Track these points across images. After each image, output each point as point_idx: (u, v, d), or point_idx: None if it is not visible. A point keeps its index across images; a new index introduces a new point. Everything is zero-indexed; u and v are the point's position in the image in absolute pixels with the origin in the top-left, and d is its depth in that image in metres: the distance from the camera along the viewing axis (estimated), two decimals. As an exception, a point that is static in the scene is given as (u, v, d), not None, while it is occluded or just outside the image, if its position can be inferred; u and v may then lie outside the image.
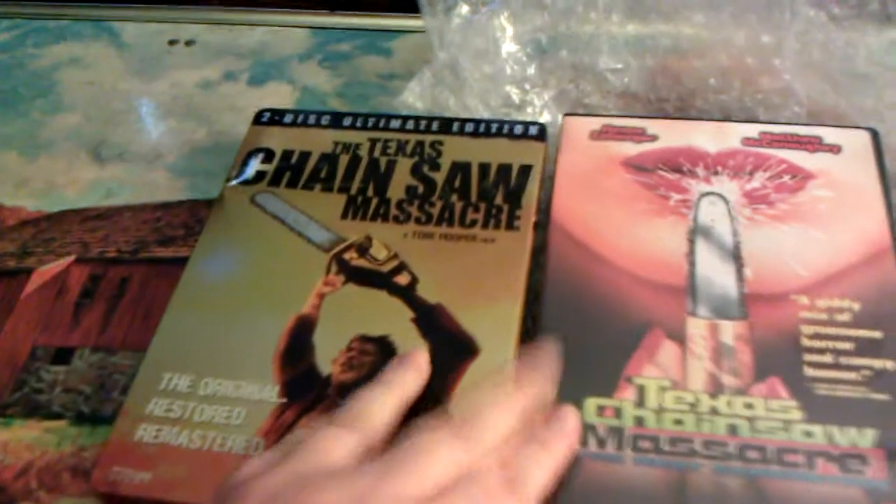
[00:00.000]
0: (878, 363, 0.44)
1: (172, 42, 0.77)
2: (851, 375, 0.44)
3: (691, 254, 0.50)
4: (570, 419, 0.43)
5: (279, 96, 0.71)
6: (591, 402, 0.44)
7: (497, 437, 0.40)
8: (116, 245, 0.60)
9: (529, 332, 0.48)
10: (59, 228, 0.62)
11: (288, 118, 0.61)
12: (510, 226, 0.52)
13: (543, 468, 0.40)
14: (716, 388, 0.44)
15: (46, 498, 0.46)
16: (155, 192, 0.64)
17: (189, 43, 0.77)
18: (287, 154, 0.58)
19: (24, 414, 0.51)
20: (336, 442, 0.38)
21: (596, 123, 0.57)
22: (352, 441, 0.39)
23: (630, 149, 0.55)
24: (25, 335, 0.55)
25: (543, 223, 0.52)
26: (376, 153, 0.58)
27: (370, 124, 0.60)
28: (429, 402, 0.43)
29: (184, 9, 0.80)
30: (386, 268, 0.51)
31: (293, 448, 0.38)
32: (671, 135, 0.56)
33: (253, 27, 0.78)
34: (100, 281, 0.58)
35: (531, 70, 0.64)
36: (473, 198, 0.54)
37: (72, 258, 0.59)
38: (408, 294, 0.50)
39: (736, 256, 0.49)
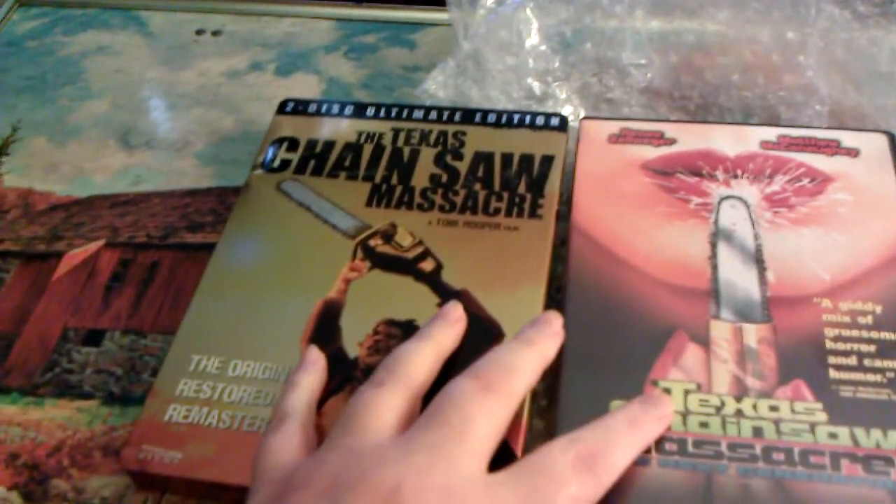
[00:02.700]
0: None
1: (199, 32, 0.75)
2: (875, 378, 0.42)
3: (713, 257, 0.48)
4: (553, 321, 0.43)
5: (305, 86, 0.69)
6: (617, 405, 0.42)
7: (522, 387, 0.40)
8: (146, 230, 0.58)
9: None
10: (88, 213, 0.60)
11: (312, 108, 0.59)
12: (533, 214, 0.51)
13: (529, 363, 0.40)
14: (740, 391, 0.42)
15: (78, 475, 0.46)
16: (182, 179, 0.62)
17: (216, 33, 0.75)
18: (311, 143, 0.57)
19: (56, 394, 0.50)
20: (382, 407, 0.38)
21: (614, 127, 0.55)
22: (396, 401, 0.38)
23: (649, 152, 0.53)
24: (56, 317, 0.53)
25: (564, 214, 0.51)
26: (400, 143, 0.56)
27: (393, 114, 0.58)
28: None
29: None
30: (411, 254, 0.50)
31: (344, 421, 0.38)
32: (690, 138, 0.54)
33: (279, 18, 0.76)
34: (130, 265, 0.56)
35: (554, 63, 0.62)
36: (496, 187, 0.53)
37: (101, 242, 0.58)
38: (433, 280, 0.49)
39: (758, 260, 0.47)
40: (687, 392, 0.42)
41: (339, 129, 0.58)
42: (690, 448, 0.40)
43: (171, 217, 0.59)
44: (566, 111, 0.60)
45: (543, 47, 0.61)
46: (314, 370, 0.44)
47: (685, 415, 0.42)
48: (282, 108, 0.60)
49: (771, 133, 0.54)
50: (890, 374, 0.42)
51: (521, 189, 0.53)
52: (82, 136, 0.66)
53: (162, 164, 0.63)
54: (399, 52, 0.71)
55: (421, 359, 0.41)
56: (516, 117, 0.57)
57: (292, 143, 0.57)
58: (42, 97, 0.70)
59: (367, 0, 0.76)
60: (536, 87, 0.61)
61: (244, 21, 0.76)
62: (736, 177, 0.52)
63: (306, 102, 0.60)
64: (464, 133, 0.56)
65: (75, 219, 0.60)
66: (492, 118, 0.57)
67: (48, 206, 0.61)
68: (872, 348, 0.43)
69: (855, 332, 0.44)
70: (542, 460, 0.37)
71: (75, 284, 0.55)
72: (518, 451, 0.41)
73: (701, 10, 0.58)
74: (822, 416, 0.41)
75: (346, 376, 0.45)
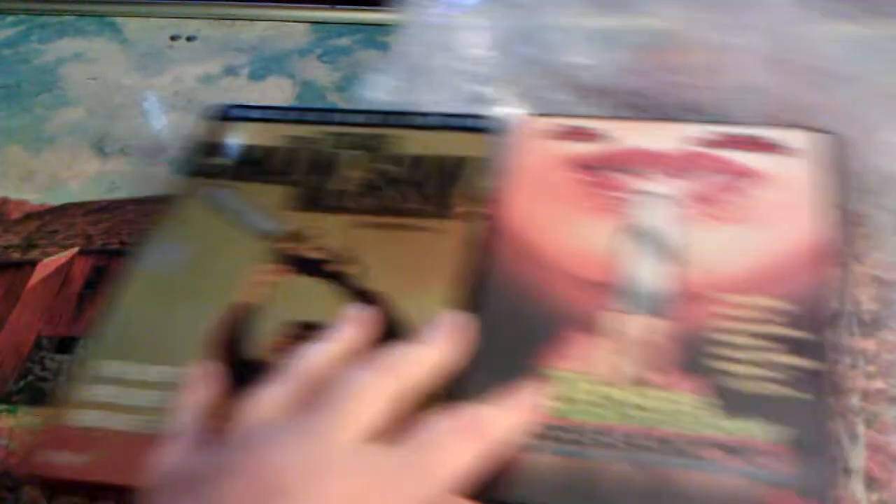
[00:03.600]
0: (795, 361, 0.43)
1: (174, 37, 0.76)
2: (769, 373, 0.43)
3: (625, 251, 0.49)
4: (450, 325, 0.44)
5: (279, 90, 0.70)
6: None
7: (409, 375, 0.40)
8: (120, 237, 0.59)
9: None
10: (62, 221, 0.61)
11: (237, 112, 0.60)
12: (449, 215, 0.51)
13: (419, 357, 0.42)
14: (634, 382, 0.43)
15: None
16: (157, 185, 0.61)
17: (190, 38, 0.76)
18: (239, 148, 0.57)
19: (29, 401, 0.50)
20: (265, 400, 0.39)
21: (550, 123, 0.56)
22: (282, 392, 0.39)
23: (581, 148, 0.54)
24: (30, 325, 0.54)
25: (491, 213, 0.52)
26: (329, 146, 0.56)
27: (321, 119, 0.58)
28: None
29: (185, 4, 0.79)
30: (324, 256, 0.50)
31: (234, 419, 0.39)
32: (622, 135, 0.54)
33: (253, 22, 0.77)
34: (103, 272, 0.57)
35: (499, 66, 0.62)
36: (421, 189, 0.53)
37: (75, 250, 0.58)
38: (346, 281, 0.49)
39: (672, 255, 0.48)
40: (580, 381, 0.43)
41: (265, 133, 0.58)
42: (581, 436, 0.41)
43: (145, 224, 0.59)
44: (510, 113, 0.60)
45: (486, 50, 0.62)
46: (207, 382, 0.44)
47: (574, 403, 0.43)
48: (213, 114, 0.60)
49: (702, 130, 0.54)
50: (784, 370, 0.43)
51: (444, 190, 0.53)
52: (57, 143, 0.67)
53: (137, 171, 0.64)
54: (374, 54, 0.72)
55: (317, 357, 0.42)
56: (449, 120, 0.57)
57: (218, 149, 0.57)
58: (18, 105, 0.71)
59: (341, 2, 0.77)
60: (477, 89, 0.61)
61: (218, 26, 0.77)
62: (662, 173, 0.52)
63: (233, 106, 0.60)
64: (396, 136, 0.56)
65: (49, 227, 0.61)
66: (422, 121, 0.57)
67: (22, 214, 0.62)
68: (769, 344, 0.44)
69: (752, 327, 0.44)
70: (415, 430, 0.38)
71: (49, 292, 0.56)
72: None
73: (647, 9, 0.58)
74: (711, 408, 0.42)
75: (253, 379, 0.45)
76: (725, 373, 0.43)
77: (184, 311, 0.48)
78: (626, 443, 0.41)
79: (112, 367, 0.46)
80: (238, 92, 0.70)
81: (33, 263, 0.58)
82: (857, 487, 0.43)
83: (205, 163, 0.57)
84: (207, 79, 0.72)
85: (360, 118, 0.58)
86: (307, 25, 0.76)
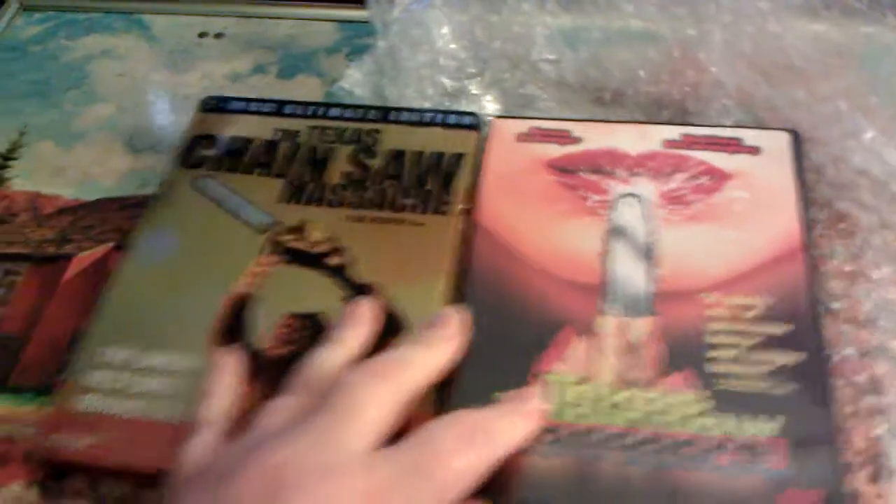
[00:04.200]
0: (782, 357, 0.44)
1: (202, 35, 0.77)
2: (756, 369, 0.44)
3: (606, 253, 0.49)
4: (450, 323, 0.45)
5: (308, 88, 0.70)
6: (500, 398, 0.44)
7: (412, 380, 0.41)
8: None
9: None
10: (97, 216, 0.62)
11: (232, 105, 0.61)
12: (439, 210, 0.53)
13: (421, 359, 0.42)
14: (622, 383, 0.44)
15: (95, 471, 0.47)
16: None
17: (218, 36, 0.77)
18: (229, 140, 0.59)
19: None
20: (281, 408, 0.40)
21: (523, 126, 0.57)
22: (298, 402, 0.40)
23: (554, 150, 0.55)
24: (67, 318, 0.55)
25: (472, 216, 0.53)
26: (315, 140, 0.58)
27: (311, 112, 0.60)
28: None
29: (213, 2, 0.80)
30: (319, 249, 0.52)
31: (250, 427, 0.40)
32: (595, 137, 0.55)
33: (281, 20, 0.78)
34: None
35: (467, 60, 0.63)
36: (406, 184, 0.55)
37: (111, 245, 0.60)
38: (339, 274, 0.50)
39: (649, 256, 0.49)
40: (570, 384, 0.44)
41: (256, 126, 0.60)
42: (571, 437, 0.43)
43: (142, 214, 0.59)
44: (480, 107, 0.62)
45: (455, 45, 0.63)
46: (231, 375, 0.46)
47: (566, 405, 0.44)
48: (203, 106, 0.61)
49: (675, 132, 0.55)
50: (771, 366, 0.44)
51: (430, 186, 0.54)
52: (88, 139, 0.68)
53: (168, 167, 0.63)
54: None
55: (327, 364, 0.43)
56: (429, 116, 0.58)
57: (210, 140, 0.59)
58: (47, 101, 0.72)
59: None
60: (449, 84, 0.62)
61: (246, 24, 0.78)
62: (636, 175, 0.53)
63: (226, 100, 0.62)
64: (378, 131, 0.58)
65: (83, 222, 0.62)
66: (406, 116, 0.59)
67: (55, 209, 0.63)
68: (755, 341, 0.45)
69: (739, 326, 0.46)
70: (423, 436, 0.38)
71: (85, 286, 0.57)
72: None
73: (608, 5, 0.59)
74: (702, 407, 0.43)
75: (251, 368, 0.47)
76: (714, 371, 0.44)
77: (180, 301, 0.50)
78: (618, 443, 0.42)
79: (112, 353, 0.48)
80: (267, 90, 0.70)
81: (68, 258, 0.59)
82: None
83: (198, 154, 0.59)
84: (236, 76, 0.72)
85: (349, 113, 0.60)
86: (334, 24, 0.77)
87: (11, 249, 0.61)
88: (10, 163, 0.67)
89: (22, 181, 0.66)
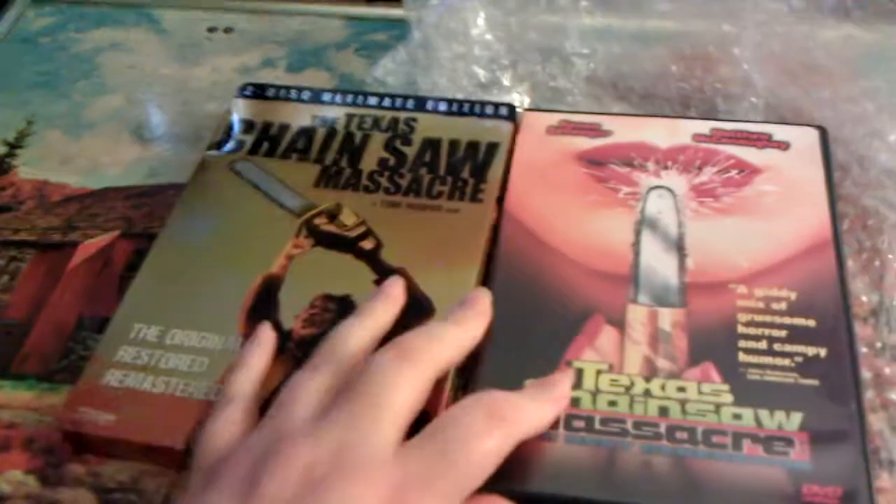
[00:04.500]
0: (809, 350, 0.44)
1: (211, 29, 0.77)
2: (783, 362, 0.44)
3: (636, 244, 0.50)
4: (480, 300, 0.45)
5: (317, 83, 0.70)
6: (528, 384, 0.44)
7: (441, 358, 0.41)
8: (161, 221, 0.59)
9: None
10: (103, 205, 0.62)
11: (270, 92, 0.62)
12: (474, 198, 0.53)
13: (451, 337, 0.43)
14: (651, 372, 0.44)
15: (94, 459, 0.47)
16: None
17: (228, 30, 0.77)
18: (267, 125, 0.60)
19: (72, 380, 0.50)
20: (309, 388, 0.40)
21: (553, 119, 0.57)
22: (325, 381, 0.40)
23: (585, 143, 0.56)
24: (72, 305, 0.56)
25: (503, 207, 0.53)
26: (352, 127, 0.59)
27: (348, 100, 0.61)
28: None
29: None
30: (353, 233, 0.52)
31: (275, 405, 0.40)
32: (625, 130, 0.56)
33: (290, 16, 0.78)
34: (144, 255, 0.56)
35: (500, 52, 0.64)
36: (441, 171, 0.55)
37: (116, 233, 0.60)
38: (372, 258, 0.51)
39: (679, 247, 0.50)
40: (599, 372, 0.45)
41: (294, 113, 0.60)
42: (597, 425, 0.43)
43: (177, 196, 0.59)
44: (511, 99, 0.62)
45: (489, 36, 0.63)
46: (264, 350, 0.46)
47: (595, 393, 0.44)
48: (241, 92, 0.62)
49: (704, 126, 0.56)
50: (798, 359, 0.44)
51: (465, 174, 0.55)
52: (96, 129, 0.68)
53: (176, 158, 0.65)
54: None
55: (356, 339, 0.43)
56: (466, 106, 0.59)
57: (249, 126, 0.60)
58: (56, 92, 0.72)
59: (376, -1, 0.78)
60: (482, 74, 0.63)
61: (255, 19, 0.78)
62: (666, 168, 0.54)
63: (265, 86, 0.62)
64: (414, 120, 0.59)
65: (90, 210, 0.62)
66: (442, 106, 0.59)
67: (63, 197, 0.63)
68: (783, 333, 0.45)
69: (768, 318, 0.46)
70: (449, 420, 0.38)
71: (90, 274, 0.57)
72: None
73: (643, 3, 0.60)
74: (727, 398, 0.43)
75: (280, 348, 0.47)
76: (742, 362, 0.44)
77: (213, 281, 0.51)
78: (645, 432, 0.42)
79: (142, 331, 0.48)
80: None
81: (74, 245, 0.59)
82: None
83: (235, 139, 0.59)
84: (245, 70, 0.73)
85: (387, 102, 0.60)
86: (343, 20, 0.77)
87: (17, 236, 0.61)
88: (17, 151, 0.68)
89: (29, 169, 0.66)
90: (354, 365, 0.41)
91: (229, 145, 0.59)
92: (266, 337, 0.47)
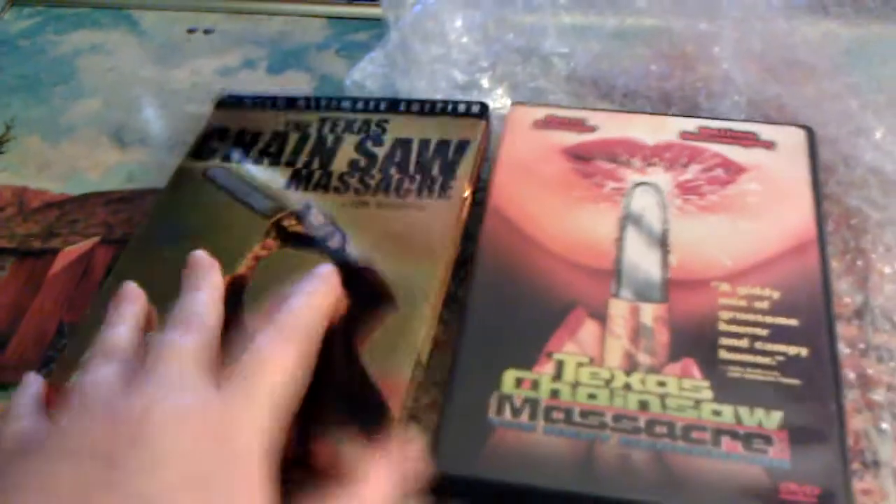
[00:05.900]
0: (791, 350, 0.45)
1: (191, 30, 0.78)
2: (765, 360, 0.45)
3: (620, 239, 0.51)
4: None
5: (297, 84, 0.72)
6: (511, 374, 0.46)
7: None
8: None
9: (459, 299, 0.51)
10: (83, 211, 0.63)
11: (246, 101, 0.64)
12: (442, 195, 0.54)
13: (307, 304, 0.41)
14: (631, 366, 0.45)
15: None
16: None
17: (208, 31, 0.78)
18: (241, 133, 0.61)
19: None
20: (113, 340, 0.40)
21: (540, 113, 0.58)
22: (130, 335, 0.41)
23: (571, 138, 0.56)
24: (52, 313, 0.57)
25: (482, 200, 0.54)
26: (325, 131, 0.60)
27: (322, 105, 0.62)
28: (347, 353, 0.45)
29: None
30: (321, 233, 0.54)
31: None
32: (611, 126, 0.57)
33: (270, 17, 0.79)
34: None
35: (478, 53, 0.65)
36: (411, 170, 0.56)
37: (97, 239, 0.61)
38: (339, 256, 0.52)
39: (663, 243, 0.50)
40: (579, 364, 0.46)
41: (268, 119, 0.62)
42: (576, 417, 0.44)
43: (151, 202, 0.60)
44: (492, 100, 0.63)
45: (466, 38, 0.64)
46: (135, 302, 0.44)
47: (575, 386, 0.45)
48: (220, 103, 0.64)
49: (691, 124, 0.56)
50: (780, 358, 0.45)
51: (434, 171, 0.56)
52: (75, 134, 0.69)
53: (155, 162, 0.66)
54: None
55: (205, 303, 0.42)
56: (438, 105, 0.60)
57: (224, 133, 0.61)
58: (35, 96, 0.73)
59: (358, -1, 0.79)
60: (461, 77, 0.64)
61: (235, 20, 0.79)
62: (652, 164, 0.54)
63: (242, 96, 0.64)
64: (386, 121, 0.60)
65: (70, 216, 0.63)
66: (415, 107, 0.60)
67: (42, 203, 0.64)
68: (765, 332, 0.46)
69: (750, 317, 0.47)
70: (241, 349, 0.38)
71: (71, 281, 0.58)
72: (396, 412, 0.44)
73: (620, 1, 0.61)
74: (707, 394, 0.44)
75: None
76: (723, 359, 0.45)
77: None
78: (624, 425, 0.43)
79: None
80: (256, 85, 0.72)
81: (54, 252, 0.60)
82: (886, 481, 0.44)
83: (210, 146, 0.61)
84: (225, 71, 0.74)
85: (360, 105, 0.61)
86: (324, 20, 0.78)
87: (-3, 244, 0.62)
88: (-3, 157, 0.68)
89: (8, 175, 0.67)
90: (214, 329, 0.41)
91: (204, 152, 0.60)
92: (131, 290, 0.45)
